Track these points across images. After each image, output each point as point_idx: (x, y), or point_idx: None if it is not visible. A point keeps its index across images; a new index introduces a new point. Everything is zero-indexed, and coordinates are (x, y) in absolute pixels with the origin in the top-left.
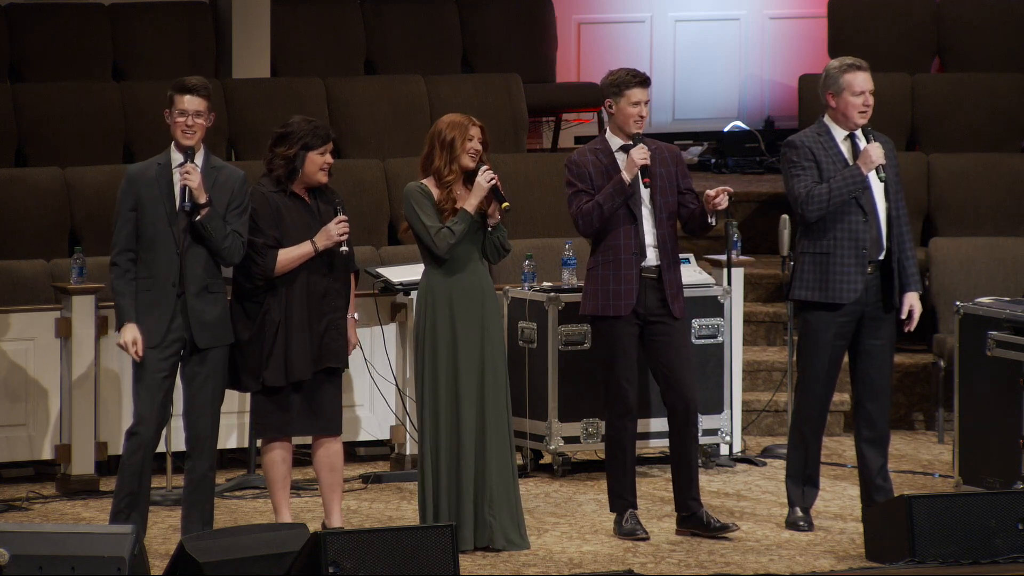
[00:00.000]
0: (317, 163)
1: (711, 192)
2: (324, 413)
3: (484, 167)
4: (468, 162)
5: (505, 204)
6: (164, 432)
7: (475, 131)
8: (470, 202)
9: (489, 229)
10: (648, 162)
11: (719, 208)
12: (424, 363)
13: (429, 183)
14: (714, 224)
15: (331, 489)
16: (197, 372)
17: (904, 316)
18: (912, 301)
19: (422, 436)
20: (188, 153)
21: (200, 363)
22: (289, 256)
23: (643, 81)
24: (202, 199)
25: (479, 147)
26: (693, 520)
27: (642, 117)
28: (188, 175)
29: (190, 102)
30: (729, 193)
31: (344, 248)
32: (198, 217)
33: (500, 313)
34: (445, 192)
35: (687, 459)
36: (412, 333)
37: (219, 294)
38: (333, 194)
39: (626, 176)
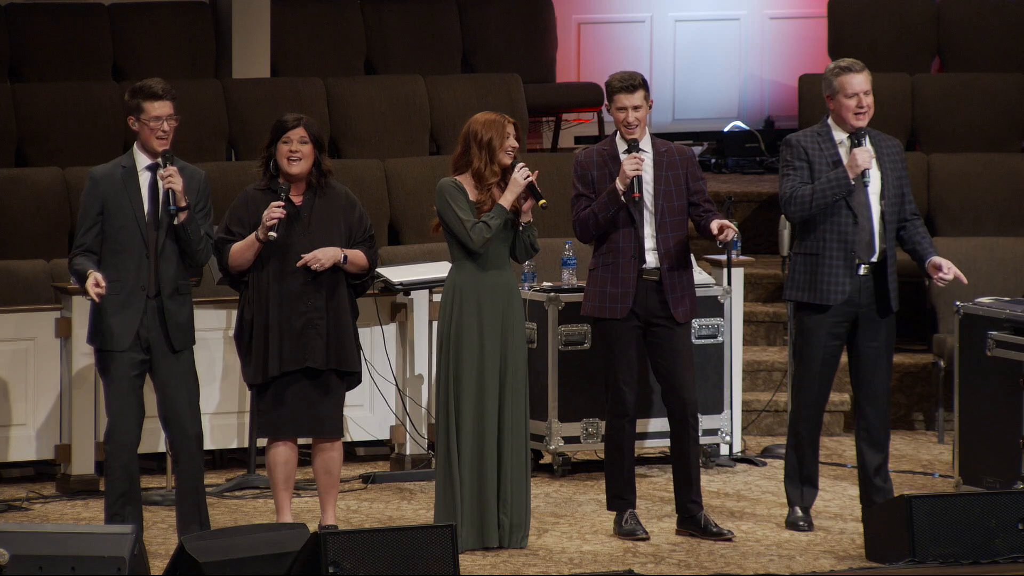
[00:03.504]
0: (283, 152)
1: (714, 229)
2: (320, 416)
3: (520, 164)
4: (506, 159)
5: (542, 201)
6: (164, 432)
7: (511, 128)
8: (506, 198)
9: (521, 227)
10: (640, 173)
11: (725, 241)
12: (448, 360)
13: (462, 179)
14: (723, 247)
15: (326, 491)
16: (173, 373)
17: (941, 272)
18: (935, 262)
19: (443, 435)
20: (166, 156)
21: (175, 364)
22: (238, 247)
23: (628, 87)
24: (183, 202)
25: (516, 143)
26: (691, 522)
27: (631, 123)
28: (171, 179)
29: (161, 107)
30: (733, 231)
31: (272, 234)
32: (179, 220)
33: (523, 314)
34: (486, 193)
35: (685, 462)
36: (436, 328)
37: (188, 295)
38: (284, 186)
39: (619, 186)
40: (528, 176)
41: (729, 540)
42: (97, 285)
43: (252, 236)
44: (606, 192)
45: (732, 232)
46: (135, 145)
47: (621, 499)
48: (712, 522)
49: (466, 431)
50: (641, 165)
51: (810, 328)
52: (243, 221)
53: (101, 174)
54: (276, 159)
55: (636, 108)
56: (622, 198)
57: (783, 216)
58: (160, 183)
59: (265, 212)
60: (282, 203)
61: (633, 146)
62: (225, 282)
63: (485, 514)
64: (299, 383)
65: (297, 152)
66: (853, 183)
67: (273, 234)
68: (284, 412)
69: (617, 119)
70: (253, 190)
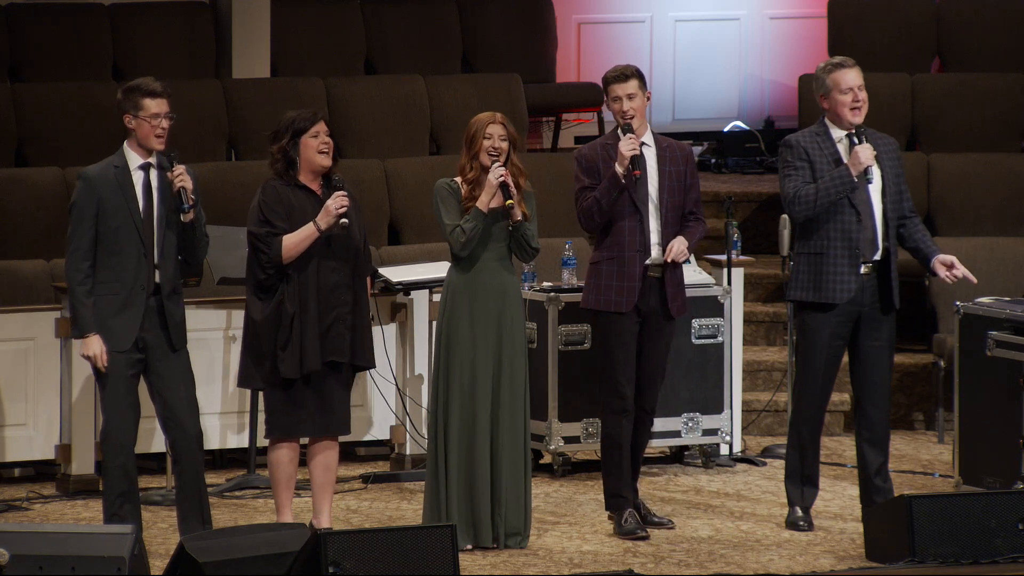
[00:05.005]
0: (312, 146)
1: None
2: (334, 413)
3: (496, 164)
4: (484, 159)
5: (509, 201)
6: (164, 433)
7: (494, 128)
8: (481, 200)
9: (511, 227)
10: (637, 152)
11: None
12: (439, 360)
13: (460, 179)
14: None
15: (323, 489)
16: (172, 372)
17: (949, 270)
18: (945, 259)
19: (431, 433)
20: (172, 156)
21: (175, 363)
22: (293, 240)
23: (620, 76)
24: (192, 200)
25: (498, 144)
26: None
27: (626, 112)
28: (182, 177)
29: (160, 105)
30: (675, 256)
31: (344, 220)
32: (188, 218)
33: (523, 314)
34: (469, 189)
35: (635, 451)
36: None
37: (182, 294)
38: (339, 179)
39: (618, 169)
40: (500, 176)
41: (668, 527)
42: (102, 355)
43: (311, 227)
44: (607, 177)
45: (682, 255)
46: (125, 144)
47: (620, 497)
48: (652, 512)
49: (454, 430)
50: (637, 145)
51: (814, 328)
52: (281, 215)
53: (94, 174)
54: (302, 153)
55: (631, 97)
56: (623, 180)
57: (783, 216)
58: (155, 182)
59: (331, 203)
60: (346, 193)
61: (627, 128)
62: (267, 275)
63: (475, 513)
64: (320, 380)
65: (328, 143)
66: (856, 180)
67: (346, 220)
68: (303, 411)
69: (614, 110)
70: (280, 185)
